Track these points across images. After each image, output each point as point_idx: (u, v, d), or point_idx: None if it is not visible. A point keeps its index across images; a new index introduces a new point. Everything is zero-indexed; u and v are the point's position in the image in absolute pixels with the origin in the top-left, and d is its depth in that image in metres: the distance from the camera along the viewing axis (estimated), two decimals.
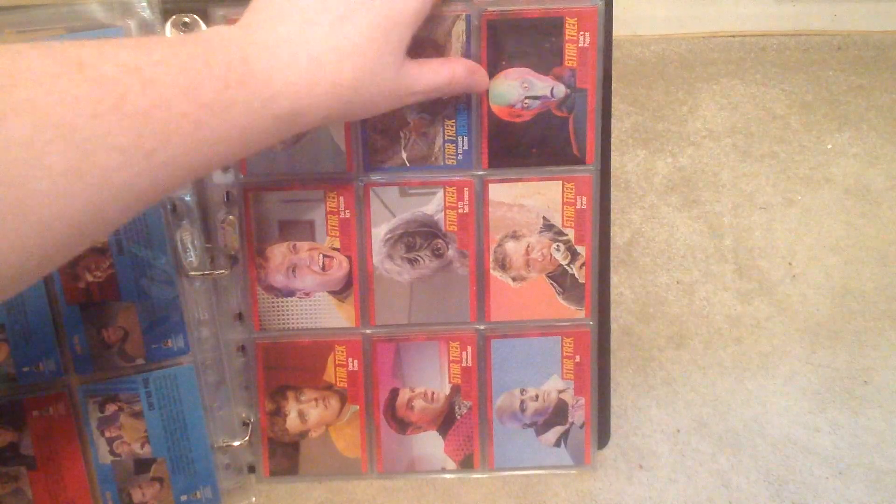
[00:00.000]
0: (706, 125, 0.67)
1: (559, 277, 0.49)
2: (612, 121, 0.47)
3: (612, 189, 0.49)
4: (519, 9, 0.44)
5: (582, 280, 0.49)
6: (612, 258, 0.50)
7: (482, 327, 0.49)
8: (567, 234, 0.48)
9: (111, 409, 0.47)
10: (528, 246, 0.48)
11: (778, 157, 0.66)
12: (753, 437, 0.55)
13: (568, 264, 0.48)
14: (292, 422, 0.51)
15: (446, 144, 0.46)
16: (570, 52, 0.45)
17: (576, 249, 0.48)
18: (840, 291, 0.61)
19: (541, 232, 0.48)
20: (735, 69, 0.69)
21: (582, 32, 0.45)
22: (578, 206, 0.48)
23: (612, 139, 0.48)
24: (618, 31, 0.46)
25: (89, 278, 0.45)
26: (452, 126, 0.46)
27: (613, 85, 0.47)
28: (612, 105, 0.47)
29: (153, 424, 0.47)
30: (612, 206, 0.49)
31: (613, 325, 0.51)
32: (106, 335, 0.46)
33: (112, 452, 0.48)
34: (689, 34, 0.71)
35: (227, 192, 0.47)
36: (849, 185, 0.65)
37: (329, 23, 0.34)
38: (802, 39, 0.70)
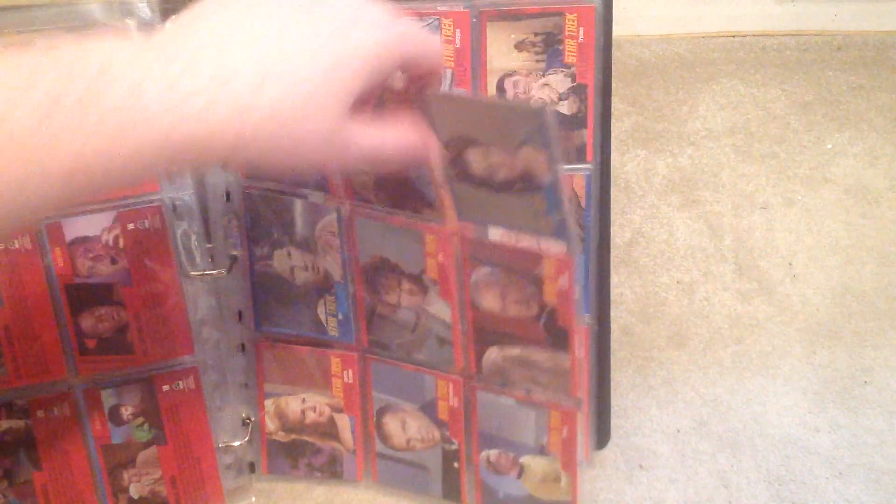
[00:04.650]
0: (706, 125, 0.67)
1: None
2: (612, 120, 0.47)
3: (612, 189, 0.49)
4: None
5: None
6: (612, 258, 0.50)
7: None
8: None
9: None
10: None
11: (778, 157, 0.66)
12: (753, 437, 0.55)
13: None
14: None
15: None
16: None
17: None
18: (840, 291, 0.61)
19: None
20: (735, 69, 0.69)
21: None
22: None
23: (612, 139, 0.48)
24: (618, 30, 0.46)
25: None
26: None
27: (613, 85, 0.47)
28: (612, 105, 0.47)
29: None
30: (612, 206, 0.49)
31: (613, 325, 0.51)
32: None
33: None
34: (689, 34, 0.71)
35: (228, 192, 0.47)
36: (849, 185, 0.65)
37: (256, 36, 0.29)
38: (802, 39, 0.70)
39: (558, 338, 0.40)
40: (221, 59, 0.28)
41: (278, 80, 0.28)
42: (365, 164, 0.34)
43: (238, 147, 0.28)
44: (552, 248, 0.38)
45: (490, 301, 0.42)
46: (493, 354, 0.43)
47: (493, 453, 0.47)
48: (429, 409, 0.48)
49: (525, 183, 0.36)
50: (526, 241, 0.39)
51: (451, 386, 0.46)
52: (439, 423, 0.48)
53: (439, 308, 0.44)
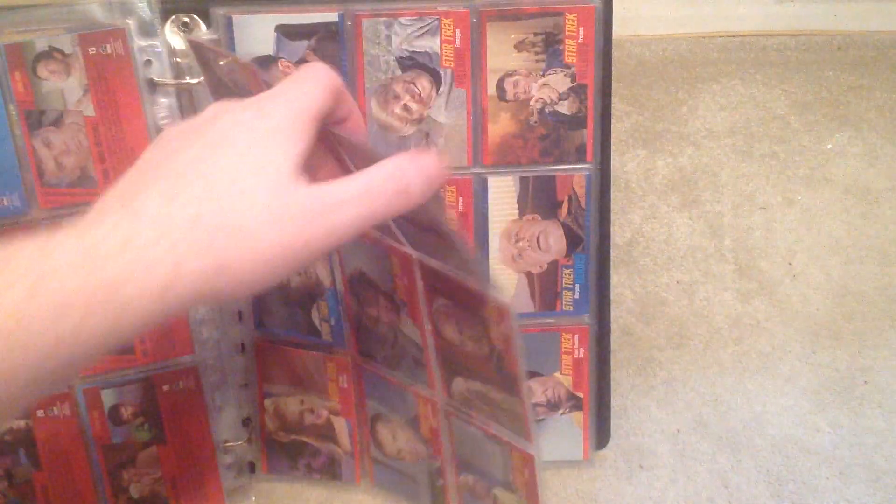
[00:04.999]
0: (706, 125, 0.67)
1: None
2: (612, 120, 0.47)
3: (612, 189, 0.49)
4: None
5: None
6: (612, 258, 0.50)
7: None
8: None
9: None
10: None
11: (778, 157, 0.66)
12: (753, 437, 0.55)
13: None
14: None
15: None
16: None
17: None
18: (840, 291, 0.61)
19: None
20: (735, 69, 0.69)
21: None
22: None
23: (612, 139, 0.48)
24: (618, 30, 0.46)
25: None
26: None
27: (613, 85, 0.47)
28: (612, 105, 0.47)
29: None
30: (612, 206, 0.49)
31: (613, 325, 0.51)
32: None
33: None
34: (689, 34, 0.71)
35: None
36: (849, 185, 0.65)
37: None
38: (802, 39, 0.70)
39: (508, 382, 0.38)
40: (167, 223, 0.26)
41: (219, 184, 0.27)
42: (366, 216, 0.29)
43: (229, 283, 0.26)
44: (494, 293, 0.35)
45: (449, 332, 0.40)
46: (459, 384, 0.42)
47: (469, 478, 0.46)
48: (413, 424, 0.48)
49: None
50: (472, 281, 0.36)
51: (430, 406, 0.46)
52: (423, 440, 0.48)
53: (411, 329, 0.43)
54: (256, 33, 0.44)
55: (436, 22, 0.45)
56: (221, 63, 0.38)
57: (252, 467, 0.52)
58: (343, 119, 0.34)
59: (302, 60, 0.45)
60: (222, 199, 0.26)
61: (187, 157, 0.28)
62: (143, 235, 0.25)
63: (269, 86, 0.32)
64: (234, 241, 0.26)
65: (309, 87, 0.31)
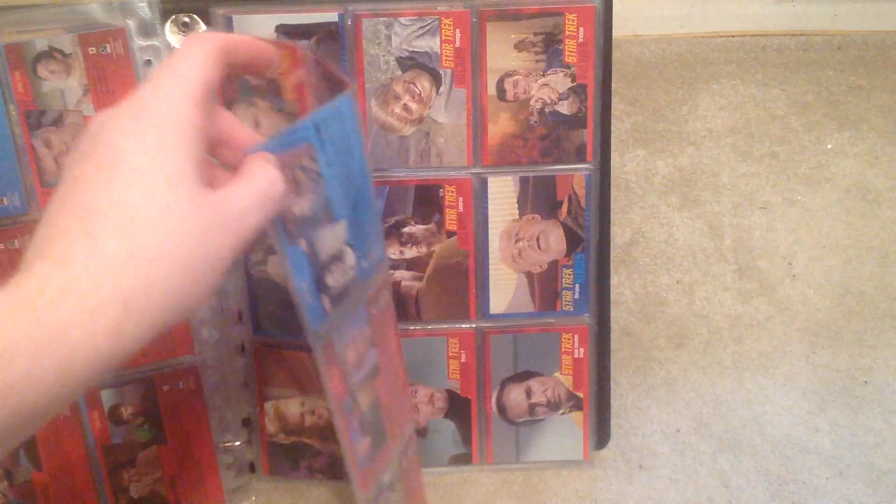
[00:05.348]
0: (706, 125, 0.66)
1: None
2: (612, 120, 0.47)
3: (612, 189, 0.49)
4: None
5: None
6: (612, 258, 0.50)
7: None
8: None
9: None
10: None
11: (778, 157, 0.66)
12: (753, 437, 0.55)
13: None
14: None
15: None
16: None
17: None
18: (840, 291, 0.61)
19: None
20: (735, 69, 0.69)
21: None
22: None
23: (612, 139, 0.48)
24: (618, 30, 0.46)
25: None
26: None
27: (613, 85, 0.47)
28: (612, 104, 0.47)
29: None
30: (612, 206, 0.49)
31: (613, 325, 0.51)
32: None
33: None
34: (689, 34, 0.71)
35: None
36: (849, 185, 0.65)
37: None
38: (802, 39, 0.70)
39: None
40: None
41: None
42: (264, 219, 0.29)
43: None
44: None
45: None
46: None
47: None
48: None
49: None
50: None
51: None
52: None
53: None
54: (256, 33, 0.44)
55: (436, 22, 0.45)
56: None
57: (252, 467, 0.52)
58: (249, 63, 0.33)
59: None
60: (144, 226, 0.26)
61: (88, 186, 0.26)
62: (81, 282, 0.24)
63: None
64: (166, 266, 0.26)
65: (186, 66, 0.29)
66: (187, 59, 0.29)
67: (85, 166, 0.27)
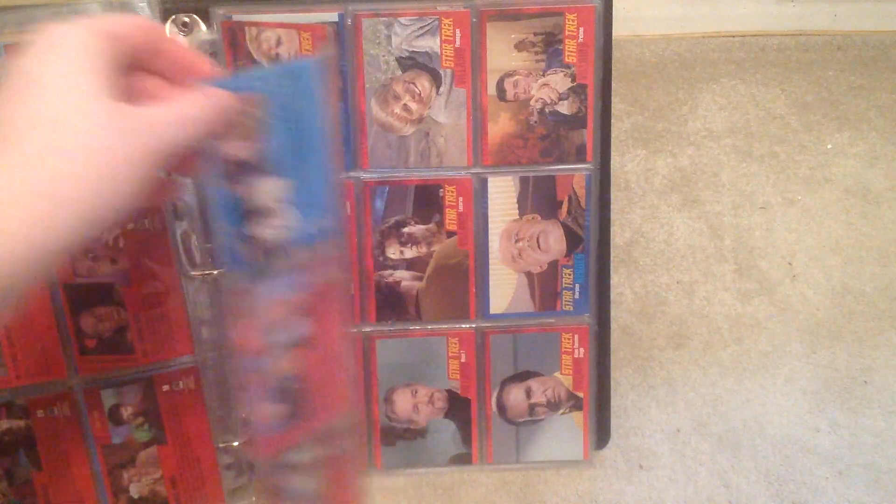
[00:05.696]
0: (706, 125, 0.66)
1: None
2: (612, 120, 0.47)
3: (612, 189, 0.49)
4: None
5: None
6: (612, 258, 0.50)
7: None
8: None
9: None
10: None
11: (778, 157, 0.66)
12: (753, 437, 0.55)
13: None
14: None
15: None
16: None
17: None
18: (840, 291, 0.61)
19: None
20: (735, 69, 0.69)
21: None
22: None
23: (612, 139, 0.48)
24: (618, 31, 0.46)
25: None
26: None
27: (613, 85, 0.47)
28: (612, 105, 0.47)
29: None
30: (612, 206, 0.49)
31: (613, 325, 0.51)
32: None
33: None
34: (689, 34, 0.71)
35: None
36: (849, 185, 0.65)
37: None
38: (802, 39, 0.70)
39: None
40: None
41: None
42: (182, 138, 0.31)
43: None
44: None
45: None
46: None
47: None
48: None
49: None
50: None
51: None
52: None
53: None
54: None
55: (436, 22, 0.45)
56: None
57: (252, 467, 0.52)
58: (155, 53, 0.33)
59: None
60: (60, 127, 0.28)
61: (4, 106, 0.28)
62: (4, 179, 0.26)
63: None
64: (85, 158, 0.27)
65: (97, 17, 0.32)
66: (70, 24, 0.31)
67: (3, 93, 0.29)
